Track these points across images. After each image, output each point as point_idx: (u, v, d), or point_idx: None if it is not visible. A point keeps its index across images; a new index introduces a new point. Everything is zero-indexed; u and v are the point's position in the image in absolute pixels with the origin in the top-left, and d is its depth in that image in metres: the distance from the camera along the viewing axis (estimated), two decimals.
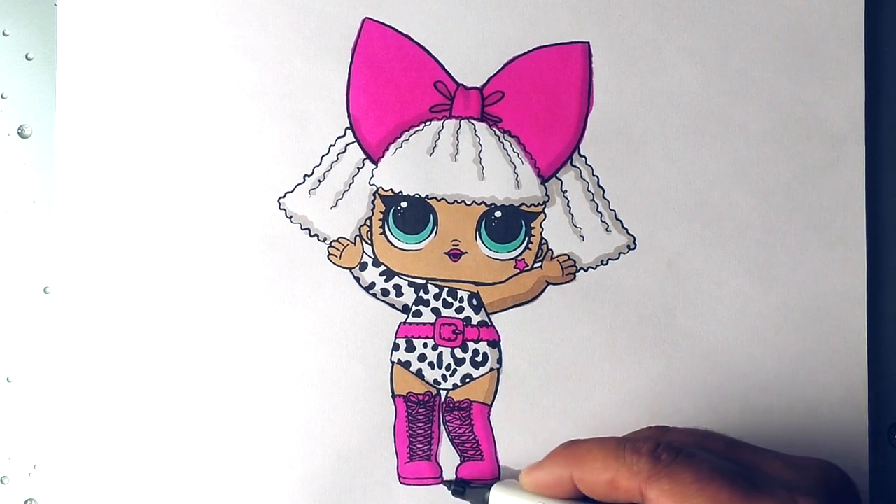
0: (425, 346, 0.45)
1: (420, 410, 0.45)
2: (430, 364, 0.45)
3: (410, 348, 0.45)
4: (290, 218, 0.45)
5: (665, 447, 0.37)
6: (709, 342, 0.45)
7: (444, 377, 0.45)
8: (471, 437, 0.45)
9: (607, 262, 0.45)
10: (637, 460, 0.36)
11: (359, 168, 0.45)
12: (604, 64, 0.45)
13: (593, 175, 0.45)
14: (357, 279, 0.45)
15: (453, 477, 0.45)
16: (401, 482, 0.44)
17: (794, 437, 0.45)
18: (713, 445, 0.38)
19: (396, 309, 0.45)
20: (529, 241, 0.45)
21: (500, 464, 0.45)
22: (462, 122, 0.45)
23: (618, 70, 0.45)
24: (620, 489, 0.37)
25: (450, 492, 0.44)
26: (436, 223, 0.45)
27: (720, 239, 0.45)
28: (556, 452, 0.39)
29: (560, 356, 0.45)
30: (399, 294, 0.45)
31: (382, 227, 0.45)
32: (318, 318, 0.45)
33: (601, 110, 0.45)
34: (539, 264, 0.45)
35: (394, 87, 0.45)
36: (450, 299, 0.45)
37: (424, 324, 0.45)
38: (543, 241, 0.45)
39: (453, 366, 0.45)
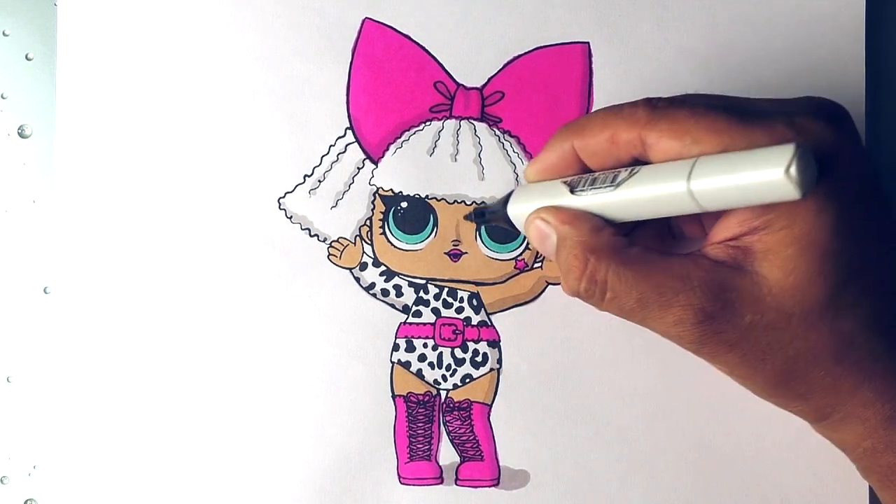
0: (425, 346, 0.45)
1: (420, 410, 0.45)
2: (431, 364, 0.45)
3: (410, 348, 0.45)
4: (290, 218, 0.45)
5: (660, 98, 0.37)
6: None
7: (444, 377, 0.45)
8: (471, 437, 0.45)
9: None
10: (634, 110, 0.36)
11: (359, 168, 0.45)
12: (604, 64, 0.45)
13: None
14: (357, 279, 0.45)
15: (454, 477, 0.45)
16: (401, 482, 0.44)
17: (795, 436, 0.45)
18: (707, 98, 0.38)
19: (396, 309, 0.45)
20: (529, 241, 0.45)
21: (500, 464, 0.45)
22: (462, 122, 0.45)
23: (618, 70, 0.45)
24: (620, 143, 0.37)
25: (475, 222, 0.44)
26: (436, 223, 0.45)
27: None
28: (555, 133, 0.39)
29: (560, 356, 0.45)
30: (399, 294, 0.45)
31: (382, 227, 0.45)
32: (318, 318, 0.45)
33: None
34: (539, 264, 0.45)
35: (394, 87, 0.45)
36: (450, 299, 0.45)
37: (424, 324, 0.45)
38: None
39: (453, 366, 0.45)
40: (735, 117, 0.34)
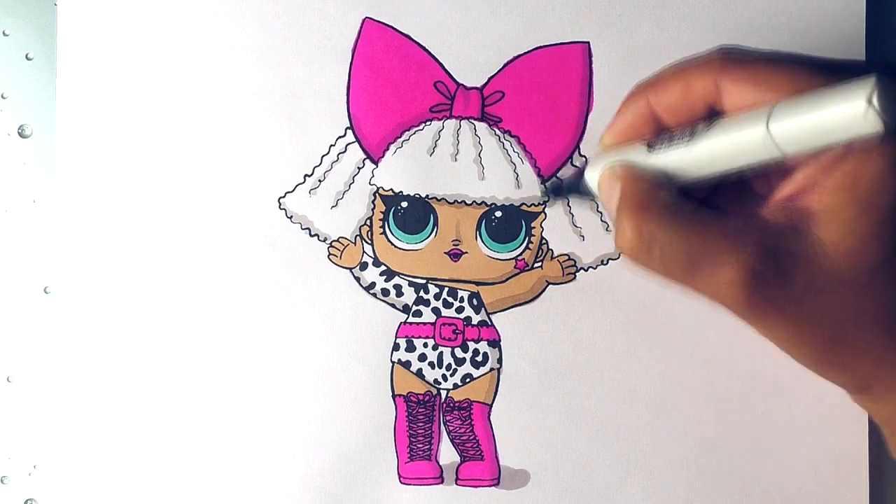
0: (425, 345, 0.45)
1: (420, 410, 0.45)
2: (431, 364, 0.45)
3: (411, 348, 0.45)
4: (290, 218, 0.45)
5: (735, 46, 0.36)
6: (709, 342, 0.45)
7: (444, 377, 0.45)
8: (471, 437, 0.45)
9: (607, 262, 0.45)
10: (709, 58, 0.36)
11: (359, 168, 0.45)
12: (604, 64, 0.45)
13: None
14: (357, 279, 0.45)
15: (454, 476, 0.45)
16: (401, 482, 0.44)
17: (795, 436, 0.45)
18: (781, 53, 0.37)
19: (397, 309, 0.45)
20: (529, 241, 0.45)
21: (501, 463, 0.45)
22: (462, 122, 0.45)
23: (618, 70, 0.45)
24: (695, 91, 0.36)
25: (547, 198, 0.44)
26: (436, 223, 0.45)
27: None
28: (630, 93, 0.39)
29: (560, 356, 0.45)
30: (399, 294, 0.45)
31: (383, 226, 0.45)
32: (318, 318, 0.45)
33: (601, 110, 0.45)
34: (539, 264, 0.45)
35: (394, 87, 0.45)
36: (450, 299, 0.45)
37: (425, 324, 0.45)
38: (543, 241, 0.45)
39: (453, 365, 0.45)
40: (814, 66, 0.34)
